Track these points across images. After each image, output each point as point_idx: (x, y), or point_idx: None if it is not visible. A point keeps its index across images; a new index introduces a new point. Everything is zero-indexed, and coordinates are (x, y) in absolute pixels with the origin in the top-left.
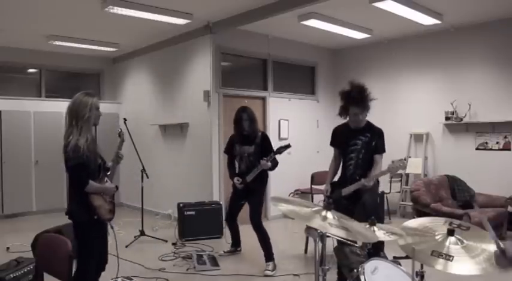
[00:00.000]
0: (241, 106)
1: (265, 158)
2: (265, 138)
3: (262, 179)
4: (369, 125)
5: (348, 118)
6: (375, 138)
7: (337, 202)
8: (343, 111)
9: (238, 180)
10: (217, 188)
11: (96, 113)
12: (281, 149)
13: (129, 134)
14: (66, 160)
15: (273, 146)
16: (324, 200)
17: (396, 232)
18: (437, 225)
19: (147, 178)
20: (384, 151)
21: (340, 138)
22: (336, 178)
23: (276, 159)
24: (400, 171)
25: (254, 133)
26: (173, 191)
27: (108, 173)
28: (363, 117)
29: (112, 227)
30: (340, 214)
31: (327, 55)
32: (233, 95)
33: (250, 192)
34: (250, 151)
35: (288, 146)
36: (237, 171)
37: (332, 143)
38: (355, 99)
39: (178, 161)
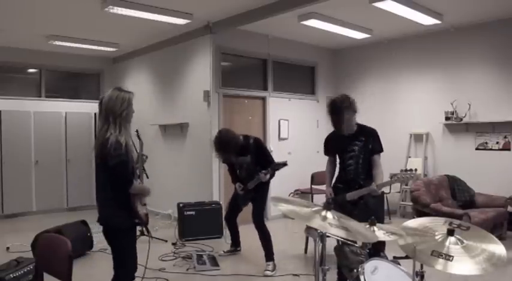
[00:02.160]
0: (214, 147)
1: (263, 171)
2: (259, 146)
3: (263, 184)
4: (361, 128)
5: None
6: (370, 140)
7: (341, 207)
8: (337, 122)
9: (240, 186)
10: (217, 188)
11: (132, 110)
12: (278, 166)
13: None
14: (105, 158)
15: (269, 146)
16: (327, 202)
17: (396, 232)
18: (437, 225)
19: (147, 178)
20: (381, 150)
21: (336, 146)
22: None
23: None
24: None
25: (243, 146)
26: (173, 191)
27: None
28: (354, 120)
29: (149, 232)
30: (340, 214)
31: (327, 55)
32: (233, 95)
33: (252, 196)
34: (247, 161)
35: (285, 164)
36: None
37: (326, 153)
38: (341, 108)
39: (178, 161)
